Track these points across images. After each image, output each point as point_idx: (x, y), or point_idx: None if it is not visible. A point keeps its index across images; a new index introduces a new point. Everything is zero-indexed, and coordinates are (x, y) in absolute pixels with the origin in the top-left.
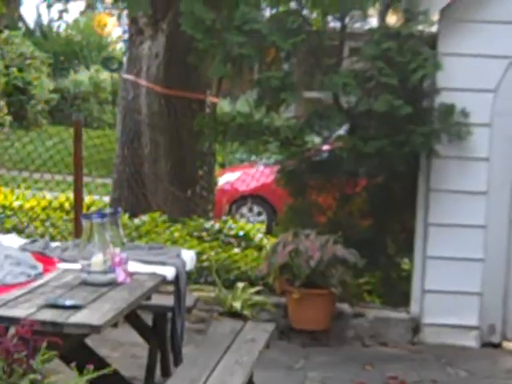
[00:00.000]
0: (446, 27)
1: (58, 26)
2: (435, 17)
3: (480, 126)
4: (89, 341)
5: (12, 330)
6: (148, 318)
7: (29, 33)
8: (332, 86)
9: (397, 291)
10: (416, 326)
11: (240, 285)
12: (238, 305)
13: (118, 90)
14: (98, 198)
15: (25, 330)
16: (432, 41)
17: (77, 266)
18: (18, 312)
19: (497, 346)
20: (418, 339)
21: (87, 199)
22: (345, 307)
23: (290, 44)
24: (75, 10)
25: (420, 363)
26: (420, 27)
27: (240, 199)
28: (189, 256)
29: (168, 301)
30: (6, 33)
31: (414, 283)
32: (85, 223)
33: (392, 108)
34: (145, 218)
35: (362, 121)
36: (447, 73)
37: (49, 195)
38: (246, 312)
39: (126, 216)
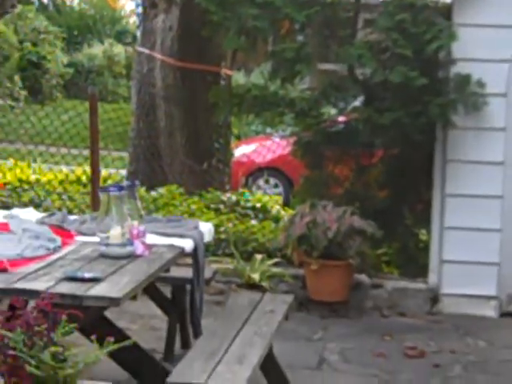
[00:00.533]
0: None
1: (72, 0)
2: None
3: (496, 96)
4: (108, 313)
5: (32, 303)
6: (167, 291)
7: (42, 7)
8: (347, 57)
9: (415, 262)
10: (434, 297)
11: (258, 256)
12: (256, 276)
13: (132, 63)
14: (114, 172)
15: (45, 302)
16: (447, 11)
17: (95, 238)
18: (38, 285)
19: None
20: (436, 309)
21: (104, 172)
22: (363, 278)
23: (304, 16)
24: None
25: (439, 333)
26: None
27: (256, 171)
28: (206, 228)
29: (186, 273)
30: (20, 8)
31: (432, 254)
32: (102, 196)
33: (407, 79)
34: (162, 190)
35: (377, 92)
36: (462, 43)
37: (65, 169)
38: (265, 283)
39: (143, 189)
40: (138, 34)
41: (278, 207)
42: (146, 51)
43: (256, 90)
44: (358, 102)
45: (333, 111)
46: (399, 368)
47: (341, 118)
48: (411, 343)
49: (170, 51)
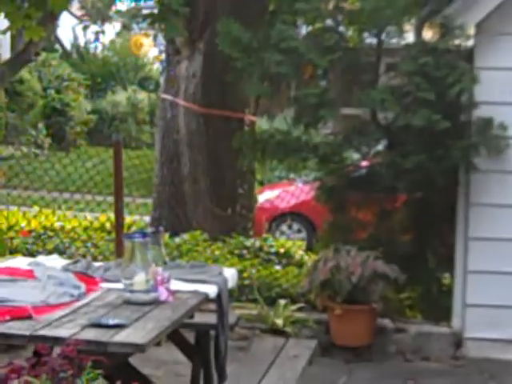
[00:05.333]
0: (483, 41)
1: (95, 48)
2: (471, 31)
3: None
4: (132, 360)
5: (57, 350)
6: (191, 336)
7: (66, 55)
8: (370, 101)
9: (438, 306)
10: (458, 341)
11: (282, 302)
12: (280, 322)
13: (156, 110)
14: (138, 218)
15: (70, 349)
16: (469, 55)
17: (119, 285)
18: (62, 332)
19: None
20: (460, 353)
21: (128, 219)
22: (386, 323)
23: (326, 61)
24: (111, 31)
25: (463, 378)
26: (456, 41)
27: (280, 216)
28: (230, 274)
29: (210, 319)
30: (44, 55)
31: (456, 297)
32: (126, 243)
33: (430, 123)
34: (185, 236)
35: (400, 136)
36: (484, 86)
37: (89, 216)
38: (288, 329)
39: (167, 235)
40: (162, 80)
41: (301, 252)
42: (170, 98)
43: (279, 135)
44: (380, 147)
45: (356, 156)
46: None
47: (364, 163)
48: None
49: (193, 98)
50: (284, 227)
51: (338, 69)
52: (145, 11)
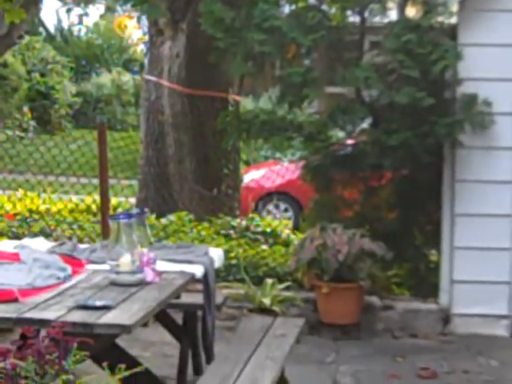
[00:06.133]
0: (466, 18)
1: (79, 30)
2: (455, 8)
3: (503, 115)
4: (120, 341)
5: (43, 333)
6: (178, 317)
7: (50, 37)
8: (354, 80)
9: (425, 282)
10: (446, 317)
11: (269, 281)
12: (267, 301)
13: (141, 91)
14: (124, 200)
15: (56, 331)
16: (452, 32)
17: (105, 267)
18: (49, 314)
19: None
20: (448, 330)
21: (113, 201)
22: (374, 300)
23: (310, 40)
24: (95, 13)
25: (451, 354)
26: (440, 18)
27: (266, 196)
28: (217, 254)
29: (197, 299)
30: (27, 38)
31: (443, 274)
32: (112, 224)
33: (414, 100)
34: (172, 217)
35: (384, 114)
36: (469, 63)
37: (75, 198)
38: (276, 308)
39: (153, 216)
40: (146, 61)
41: (287, 231)
42: (154, 79)
43: (264, 114)
44: (365, 124)
45: (341, 134)
46: None
47: (349, 141)
48: (424, 364)
49: (177, 78)
50: (270, 207)
51: (321, 47)
52: None
